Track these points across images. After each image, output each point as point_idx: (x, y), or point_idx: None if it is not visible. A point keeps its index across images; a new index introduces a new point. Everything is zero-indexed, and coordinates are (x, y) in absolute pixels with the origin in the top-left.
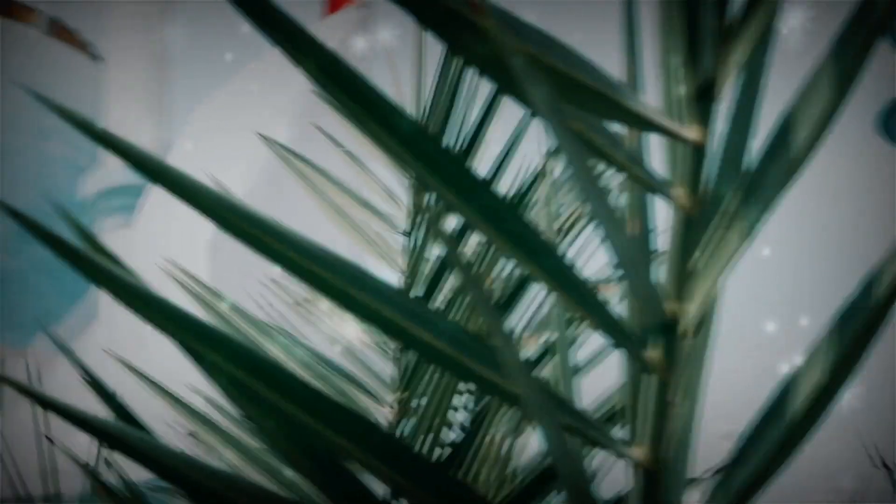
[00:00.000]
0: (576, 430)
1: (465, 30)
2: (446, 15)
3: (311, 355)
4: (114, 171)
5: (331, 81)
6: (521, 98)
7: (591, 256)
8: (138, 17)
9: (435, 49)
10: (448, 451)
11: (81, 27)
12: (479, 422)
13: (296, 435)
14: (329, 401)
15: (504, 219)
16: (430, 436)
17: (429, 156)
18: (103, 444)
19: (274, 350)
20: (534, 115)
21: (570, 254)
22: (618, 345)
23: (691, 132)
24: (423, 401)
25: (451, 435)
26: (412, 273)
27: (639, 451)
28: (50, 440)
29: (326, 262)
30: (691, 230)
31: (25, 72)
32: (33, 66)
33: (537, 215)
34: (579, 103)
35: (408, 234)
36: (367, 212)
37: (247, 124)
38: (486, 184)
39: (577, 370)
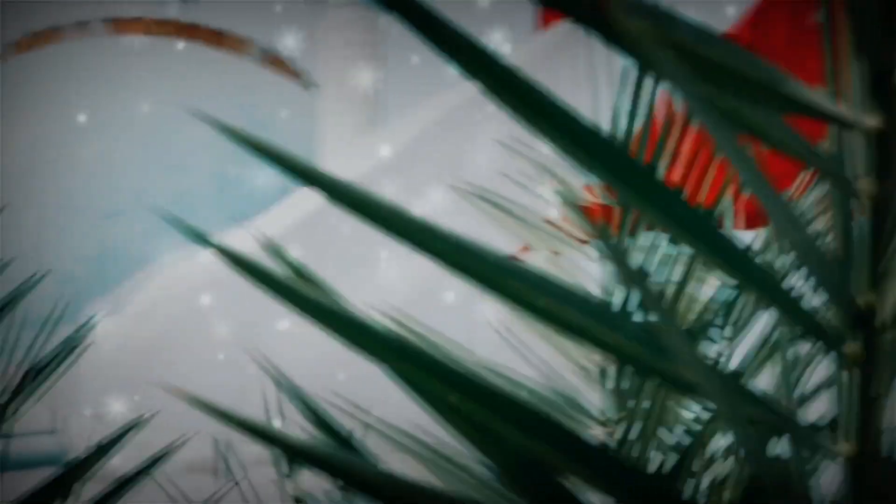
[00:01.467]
0: (771, 425)
1: (608, 25)
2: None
3: (510, 380)
4: None
5: (509, 94)
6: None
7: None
8: (350, 44)
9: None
10: (668, 465)
11: (293, 56)
12: (700, 434)
13: (511, 454)
14: (544, 418)
15: (696, 225)
16: (646, 453)
17: (621, 168)
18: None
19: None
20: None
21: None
22: (815, 339)
23: (872, 120)
24: (634, 425)
25: (664, 457)
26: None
27: (846, 447)
28: (288, 475)
29: (529, 279)
30: (880, 220)
31: (243, 103)
32: (250, 97)
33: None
34: (749, 97)
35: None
36: (559, 241)
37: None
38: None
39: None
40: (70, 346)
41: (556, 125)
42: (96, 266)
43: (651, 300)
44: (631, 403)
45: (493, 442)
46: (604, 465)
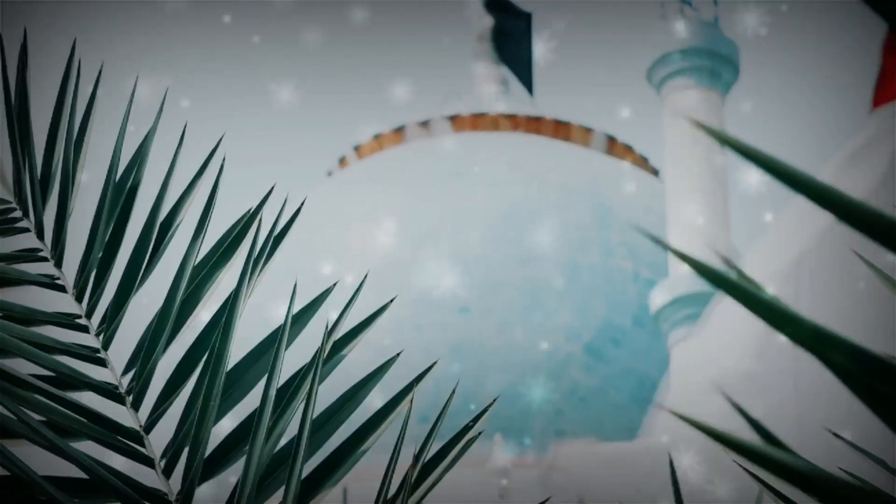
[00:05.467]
0: None
1: None
2: None
3: None
4: (680, 281)
5: None
6: None
7: None
8: (694, 126)
9: None
10: None
11: (636, 142)
12: None
13: None
14: None
15: None
16: None
17: None
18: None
19: None
20: None
21: None
22: None
23: None
24: None
25: None
26: None
27: None
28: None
29: None
30: None
31: (590, 191)
32: (599, 186)
33: None
34: None
35: None
36: None
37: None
38: None
39: None
40: (459, 440)
41: None
42: (446, 363)
43: None
44: None
45: None
46: None
